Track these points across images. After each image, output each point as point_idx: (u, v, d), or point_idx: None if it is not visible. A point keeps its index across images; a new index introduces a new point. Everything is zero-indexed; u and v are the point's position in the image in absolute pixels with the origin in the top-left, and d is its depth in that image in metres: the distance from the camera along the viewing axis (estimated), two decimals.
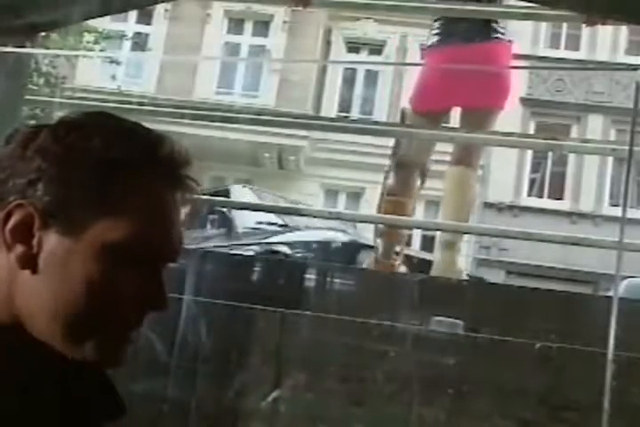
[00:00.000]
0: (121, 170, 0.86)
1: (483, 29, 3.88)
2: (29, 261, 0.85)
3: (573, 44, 15.55)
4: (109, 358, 0.88)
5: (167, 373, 3.14)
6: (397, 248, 4.23)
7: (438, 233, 4.06)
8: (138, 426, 2.60)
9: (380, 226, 4.25)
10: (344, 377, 3.02)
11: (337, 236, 6.62)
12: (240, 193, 7.44)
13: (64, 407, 0.88)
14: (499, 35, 3.91)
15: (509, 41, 4.00)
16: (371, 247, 5.01)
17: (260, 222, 6.34)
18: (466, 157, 3.95)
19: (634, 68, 4.64)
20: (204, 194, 7.40)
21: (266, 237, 6.35)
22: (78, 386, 0.90)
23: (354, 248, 5.75)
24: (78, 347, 0.86)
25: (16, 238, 0.85)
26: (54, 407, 0.87)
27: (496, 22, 3.93)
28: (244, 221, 6.68)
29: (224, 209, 6.55)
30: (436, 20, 3.99)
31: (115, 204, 0.85)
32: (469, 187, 3.98)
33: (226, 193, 7.18)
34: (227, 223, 6.77)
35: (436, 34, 3.95)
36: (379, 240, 4.26)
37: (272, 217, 6.83)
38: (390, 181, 4.21)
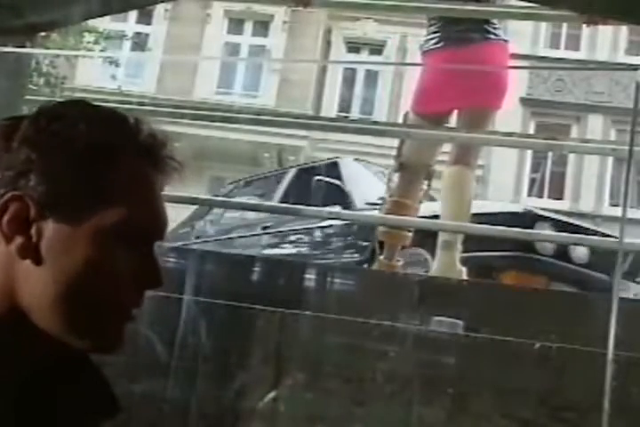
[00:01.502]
0: (109, 155, 0.88)
1: (478, 31, 3.89)
2: (30, 252, 0.85)
3: (573, 44, 15.56)
4: (111, 340, 0.89)
5: (167, 373, 3.14)
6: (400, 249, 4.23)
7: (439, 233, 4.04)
8: (138, 426, 2.60)
9: (382, 227, 4.25)
10: (344, 377, 3.02)
11: (505, 206, 5.42)
12: (350, 166, 6.35)
13: (59, 401, 0.89)
14: (494, 35, 3.93)
15: (505, 40, 4.01)
16: (550, 219, 4.40)
17: (384, 198, 4.83)
18: (464, 156, 3.94)
19: (634, 68, 4.64)
20: (314, 167, 6.69)
21: None
22: (73, 381, 0.91)
23: (529, 220, 4.47)
24: (81, 331, 0.87)
25: (14, 230, 0.86)
26: (50, 401, 0.88)
27: (491, 22, 3.95)
28: (364, 195, 5.53)
29: (337, 182, 5.55)
30: (430, 25, 4.01)
31: (107, 189, 0.87)
32: (468, 186, 3.98)
33: (334, 166, 6.29)
34: (342, 199, 5.60)
35: (433, 37, 3.97)
36: (381, 241, 4.26)
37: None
38: (394, 182, 4.20)
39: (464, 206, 3.92)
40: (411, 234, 4.19)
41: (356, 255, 5.21)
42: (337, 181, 5.58)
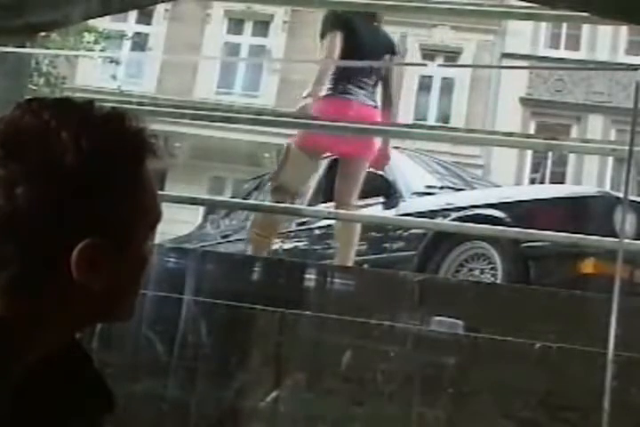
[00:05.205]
0: (139, 170, 0.90)
1: (366, 92, 4.52)
2: (99, 282, 0.88)
3: (573, 44, 15.57)
4: (133, 312, 0.96)
5: (167, 373, 3.14)
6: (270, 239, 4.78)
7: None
8: (138, 426, 2.60)
9: (256, 221, 4.91)
10: (344, 377, 3.02)
11: (576, 190, 5.26)
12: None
13: (58, 397, 0.90)
14: (373, 100, 4.57)
15: (377, 106, 4.61)
16: (631, 201, 3.80)
17: (431, 186, 4.64)
18: (342, 198, 4.51)
19: (634, 68, 4.65)
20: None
21: (451, 204, 4.72)
22: (71, 378, 0.92)
23: (606, 204, 4.06)
24: (126, 312, 0.95)
25: (90, 274, 0.87)
26: (49, 397, 0.89)
27: (375, 90, 4.60)
28: (409, 185, 5.18)
29: (379, 172, 5.14)
30: (333, 74, 4.52)
31: (143, 200, 0.90)
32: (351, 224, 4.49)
33: None
34: (387, 189, 5.26)
35: (331, 85, 4.48)
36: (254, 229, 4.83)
37: (432, 180, 5.42)
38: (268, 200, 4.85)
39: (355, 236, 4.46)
40: (271, 245, 4.80)
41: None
42: (379, 171, 5.20)
